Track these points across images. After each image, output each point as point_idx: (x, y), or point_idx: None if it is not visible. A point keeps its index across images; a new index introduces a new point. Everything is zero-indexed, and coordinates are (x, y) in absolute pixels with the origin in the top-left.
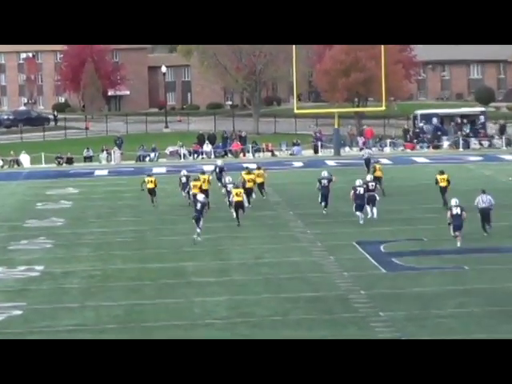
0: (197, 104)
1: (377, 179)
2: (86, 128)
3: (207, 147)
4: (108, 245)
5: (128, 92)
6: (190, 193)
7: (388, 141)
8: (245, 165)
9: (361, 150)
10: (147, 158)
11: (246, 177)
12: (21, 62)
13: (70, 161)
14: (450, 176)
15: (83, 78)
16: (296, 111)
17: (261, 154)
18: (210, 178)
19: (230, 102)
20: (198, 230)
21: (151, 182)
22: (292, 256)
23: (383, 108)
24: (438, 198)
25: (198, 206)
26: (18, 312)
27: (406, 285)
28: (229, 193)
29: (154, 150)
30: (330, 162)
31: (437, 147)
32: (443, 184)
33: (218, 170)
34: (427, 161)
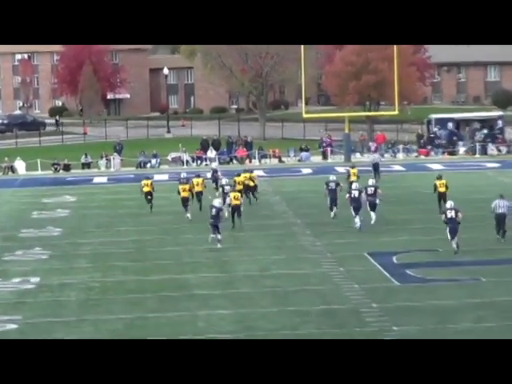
0: (200, 108)
1: (351, 184)
2: (84, 133)
3: (211, 153)
4: (107, 256)
5: (128, 95)
6: (179, 197)
7: (401, 146)
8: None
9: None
10: (148, 165)
11: (237, 179)
12: (16, 63)
13: (67, 167)
14: (470, 182)
15: (81, 81)
16: (304, 115)
17: (267, 160)
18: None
19: (235, 106)
20: (219, 237)
21: (147, 185)
22: (300, 267)
23: (396, 112)
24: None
25: (213, 211)
26: (13, 326)
27: (421, 298)
28: (225, 194)
29: (155, 156)
30: (340, 169)
31: (452, 153)
32: (442, 189)
33: (211, 171)
34: (442, 167)
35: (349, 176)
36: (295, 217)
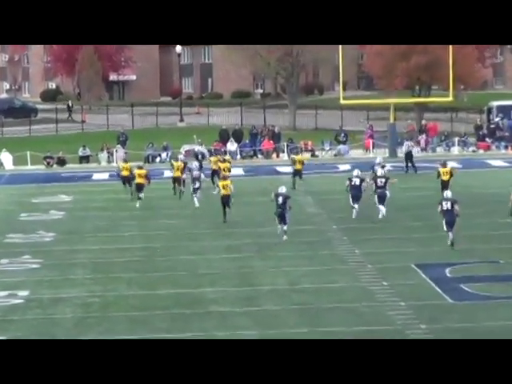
0: (219, 92)
1: (297, 172)
2: (83, 121)
3: (232, 146)
4: (108, 265)
5: (134, 77)
6: (133, 183)
7: (456, 139)
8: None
9: (422, 150)
10: (158, 159)
11: (222, 165)
12: None
13: (61, 162)
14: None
15: (79, 59)
16: (342, 102)
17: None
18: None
19: (260, 91)
20: (285, 228)
21: (126, 169)
22: (335, 281)
23: (450, 99)
24: None
25: (280, 199)
26: None
27: (478, 318)
28: (194, 179)
29: (165, 148)
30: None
31: None
32: (445, 177)
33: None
34: (505, 164)
35: (294, 163)
36: (330, 221)
